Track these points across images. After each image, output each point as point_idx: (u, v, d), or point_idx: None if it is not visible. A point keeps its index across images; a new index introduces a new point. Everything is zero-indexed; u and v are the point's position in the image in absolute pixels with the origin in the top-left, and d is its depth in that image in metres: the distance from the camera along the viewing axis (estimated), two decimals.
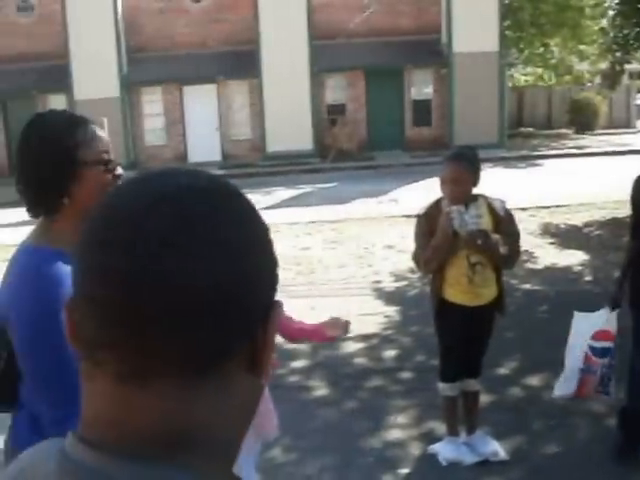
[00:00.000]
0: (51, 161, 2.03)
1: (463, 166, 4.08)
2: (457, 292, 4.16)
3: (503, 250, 4.06)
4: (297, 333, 3.08)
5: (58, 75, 24.75)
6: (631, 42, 17.83)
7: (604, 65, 24.56)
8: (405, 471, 4.33)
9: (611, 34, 20.41)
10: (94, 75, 24.28)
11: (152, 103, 25.39)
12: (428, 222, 4.14)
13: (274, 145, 24.65)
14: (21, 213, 2.23)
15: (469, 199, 4.11)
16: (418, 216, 4.27)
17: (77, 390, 1.90)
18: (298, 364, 6.18)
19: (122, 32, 25.15)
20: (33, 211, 2.10)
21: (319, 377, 5.86)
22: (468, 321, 4.19)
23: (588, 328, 4.32)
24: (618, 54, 19.05)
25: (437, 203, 4.21)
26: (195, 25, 25.65)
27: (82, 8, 23.94)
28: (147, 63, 25.05)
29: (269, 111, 24.61)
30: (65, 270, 1.94)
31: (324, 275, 9.21)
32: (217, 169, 23.59)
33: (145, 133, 25.69)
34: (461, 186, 4.05)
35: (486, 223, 4.10)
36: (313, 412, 5.22)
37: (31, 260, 2.03)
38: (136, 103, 25.51)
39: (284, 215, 14.15)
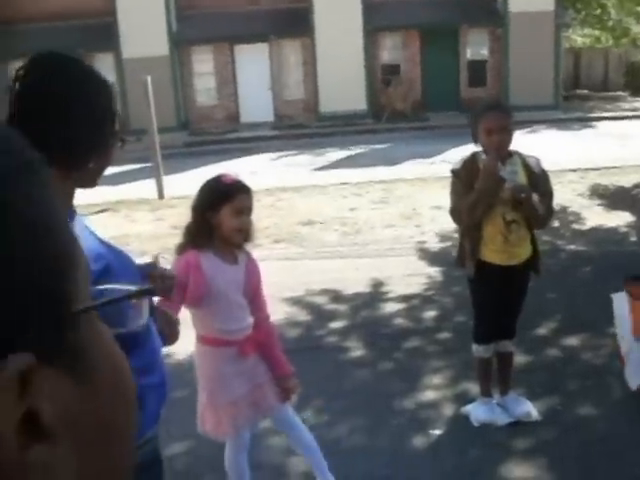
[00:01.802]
0: (103, 118, 1.88)
1: (508, 114, 4.04)
2: (492, 252, 4.09)
3: (539, 208, 3.98)
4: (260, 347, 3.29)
5: (105, 33, 24.14)
6: None
7: None
8: (436, 432, 4.32)
9: None
10: (142, 33, 23.84)
11: (203, 62, 25.09)
12: (467, 175, 4.04)
13: (327, 105, 24.49)
14: None
15: (505, 155, 4.04)
16: (455, 171, 4.15)
17: None
18: (337, 325, 6.19)
19: None
20: (58, 158, 1.72)
21: (357, 338, 5.85)
22: (503, 281, 4.12)
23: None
24: None
25: (473, 157, 4.13)
26: None
27: None
28: (197, 21, 24.60)
29: (322, 71, 24.42)
30: None
31: (370, 236, 9.17)
32: (270, 129, 23.58)
33: (196, 93, 25.46)
34: (508, 134, 3.98)
35: (521, 180, 4.02)
36: (348, 373, 5.22)
37: None
38: (186, 62, 25.22)
39: (334, 176, 14.13)
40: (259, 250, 8.88)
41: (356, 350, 5.63)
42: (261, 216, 10.77)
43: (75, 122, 1.81)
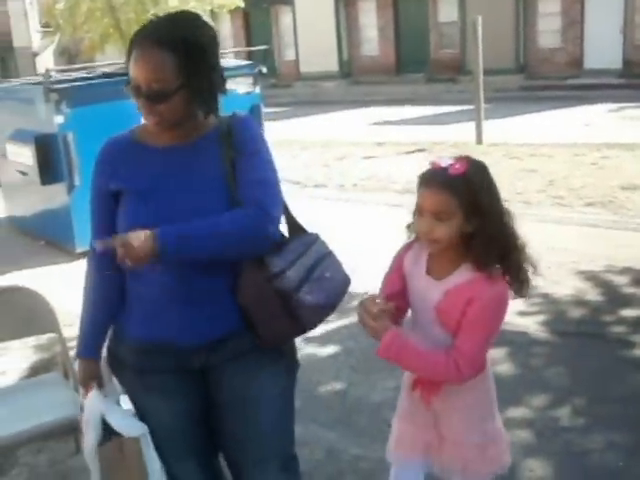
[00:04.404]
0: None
1: None
2: None
3: None
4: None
5: None
6: None
7: None
8: None
9: None
10: None
11: (548, 0, 23.49)
12: None
13: None
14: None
15: None
16: None
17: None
18: (630, 313, 5.34)
19: None
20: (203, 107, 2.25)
21: None
22: None
23: None
24: None
25: None
26: None
27: None
28: None
29: None
30: (116, 158, 2.28)
31: None
32: (615, 77, 21.72)
33: (538, 34, 24.10)
34: None
35: None
36: (626, 374, 4.44)
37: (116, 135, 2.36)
38: (531, 1, 23.82)
39: None
40: (565, 212, 8.12)
41: None
42: (577, 174, 9.87)
43: None
